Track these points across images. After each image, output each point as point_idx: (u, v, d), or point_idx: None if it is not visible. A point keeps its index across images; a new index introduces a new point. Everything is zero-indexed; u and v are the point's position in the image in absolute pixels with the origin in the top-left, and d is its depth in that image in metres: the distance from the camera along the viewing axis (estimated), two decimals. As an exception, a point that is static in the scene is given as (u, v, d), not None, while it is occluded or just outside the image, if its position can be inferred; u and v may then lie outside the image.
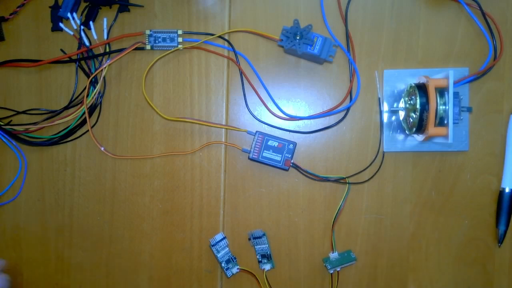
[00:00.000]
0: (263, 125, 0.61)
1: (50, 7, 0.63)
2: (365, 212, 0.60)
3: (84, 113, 0.62)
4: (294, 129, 0.61)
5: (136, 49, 0.61)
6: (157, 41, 0.61)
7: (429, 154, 0.60)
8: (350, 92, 0.60)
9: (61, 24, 0.62)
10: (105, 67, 0.61)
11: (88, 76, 0.62)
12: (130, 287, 0.63)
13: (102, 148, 0.62)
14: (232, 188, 0.62)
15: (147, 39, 0.61)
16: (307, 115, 0.61)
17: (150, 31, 0.61)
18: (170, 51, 0.61)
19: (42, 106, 0.63)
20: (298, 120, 0.61)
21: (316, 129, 0.60)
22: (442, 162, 0.60)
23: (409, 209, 0.60)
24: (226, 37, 0.61)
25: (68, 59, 0.62)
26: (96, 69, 0.62)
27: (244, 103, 0.61)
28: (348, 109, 0.60)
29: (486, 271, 0.60)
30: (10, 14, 0.63)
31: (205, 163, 0.62)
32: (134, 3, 0.62)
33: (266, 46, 0.61)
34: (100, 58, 0.62)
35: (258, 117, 0.61)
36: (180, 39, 0.61)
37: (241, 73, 0.61)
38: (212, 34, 0.61)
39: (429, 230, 0.60)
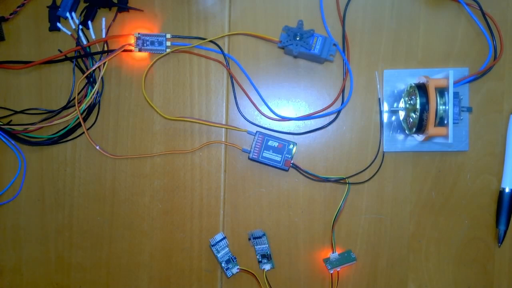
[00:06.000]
0: (255, 125, 0.61)
1: (48, 6, 0.63)
2: (365, 212, 0.60)
3: (83, 112, 0.62)
4: (294, 129, 0.61)
5: (136, 49, 0.61)
6: (145, 44, 0.61)
7: (429, 154, 0.60)
8: (343, 92, 0.60)
9: (58, 24, 0.62)
10: (97, 67, 0.61)
11: (86, 76, 0.62)
12: (130, 287, 0.63)
13: (97, 147, 0.62)
14: (232, 188, 0.62)
15: (134, 42, 0.61)
16: (307, 114, 0.61)
17: (138, 33, 0.61)
18: (167, 52, 0.61)
19: (42, 105, 0.63)
20: (288, 120, 0.61)
21: (311, 129, 0.61)
22: (442, 162, 0.60)
23: (409, 209, 0.60)
24: (226, 39, 0.61)
25: (63, 57, 0.62)
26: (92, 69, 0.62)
27: (236, 105, 0.61)
28: (339, 111, 0.60)
29: (486, 271, 0.60)
30: (10, 14, 0.63)
31: (205, 163, 0.62)
32: (133, 7, 0.62)
33: (266, 47, 0.61)
34: (98, 57, 0.62)
35: (250, 119, 0.61)
36: (168, 43, 0.61)
37: (231, 76, 0.61)
38: (203, 38, 0.61)
39: (429, 230, 0.60)
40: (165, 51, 0.61)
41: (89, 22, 0.61)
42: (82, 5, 0.62)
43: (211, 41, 0.61)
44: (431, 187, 0.60)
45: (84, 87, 0.62)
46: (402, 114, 0.59)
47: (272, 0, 0.61)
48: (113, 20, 0.62)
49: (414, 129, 0.55)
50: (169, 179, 0.62)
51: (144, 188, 0.63)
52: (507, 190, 0.58)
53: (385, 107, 0.60)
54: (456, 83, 0.56)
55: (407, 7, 0.60)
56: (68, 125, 0.62)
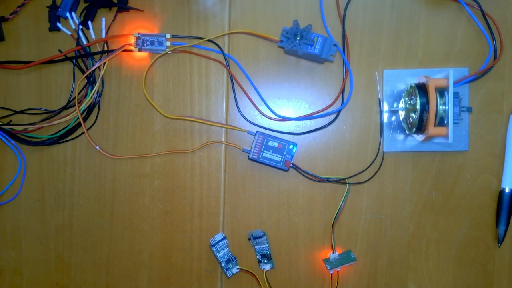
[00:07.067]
0: (255, 125, 0.61)
1: (48, 6, 0.63)
2: (365, 212, 0.60)
3: (83, 112, 0.62)
4: (294, 129, 0.61)
5: (136, 49, 0.61)
6: (145, 44, 0.61)
7: (429, 154, 0.60)
8: (343, 92, 0.60)
9: (58, 24, 0.62)
10: (97, 67, 0.61)
11: (86, 76, 0.62)
12: (130, 287, 0.63)
13: (97, 147, 0.62)
14: (232, 188, 0.62)
15: (134, 42, 0.61)
16: (307, 114, 0.61)
17: (138, 34, 0.61)
18: (166, 51, 0.61)
19: (42, 105, 0.63)
20: (288, 120, 0.61)
21: (311, 129, 0.61)
22: (442, 162, 0.60)
23: (409, 209, 0.60)
24: (226, 38, 0.61)
25: (63, 57, 0.62)
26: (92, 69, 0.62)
27: (235, 105, 0.61)
28: (339, 111, 0.60)
29: (486, 271, 0.60)
30: (10, 14, 0.63)
31: (205, 163, 0.62)
32: (133, 7, 0.62)
33: (266, 46, 0.61)
34: (98, 57, 0.62)
35: (250, 119, 0.61)
36: (168, 43, 0.61)
37: (231, 76, 0.61)
38: (202, 38, 0.61)
39: (429, 230, 0.60)
40: (165, 50, 0.61)
41: (89, 22, 0.61)
42: (82, 5, 0.62)
43: (211, 40, 0.61)
44: (431, 187, 0.60)
45: (84, 87, 0.62)
46: (402, 114, 0.59)
47: (272, 1, 0.61)
48: (113, 20, 0.62)
49: (414, 129, 0.55)
50: (169, 179, 0.62)
51: (144, 188, 0.63)
52: (507, 190, 0.58)
53: (385, 107, 0.60)
54: (456, 83, 0.56)
55: (407, 7, 0.60)
56: (68, 125, 0.62)
